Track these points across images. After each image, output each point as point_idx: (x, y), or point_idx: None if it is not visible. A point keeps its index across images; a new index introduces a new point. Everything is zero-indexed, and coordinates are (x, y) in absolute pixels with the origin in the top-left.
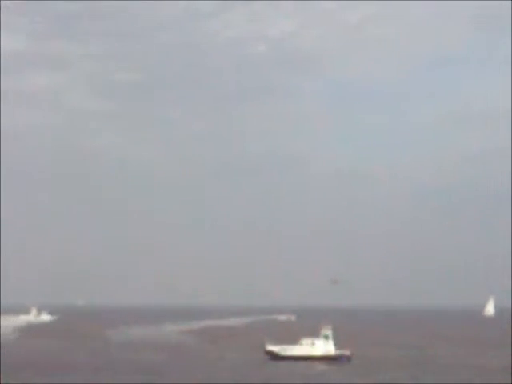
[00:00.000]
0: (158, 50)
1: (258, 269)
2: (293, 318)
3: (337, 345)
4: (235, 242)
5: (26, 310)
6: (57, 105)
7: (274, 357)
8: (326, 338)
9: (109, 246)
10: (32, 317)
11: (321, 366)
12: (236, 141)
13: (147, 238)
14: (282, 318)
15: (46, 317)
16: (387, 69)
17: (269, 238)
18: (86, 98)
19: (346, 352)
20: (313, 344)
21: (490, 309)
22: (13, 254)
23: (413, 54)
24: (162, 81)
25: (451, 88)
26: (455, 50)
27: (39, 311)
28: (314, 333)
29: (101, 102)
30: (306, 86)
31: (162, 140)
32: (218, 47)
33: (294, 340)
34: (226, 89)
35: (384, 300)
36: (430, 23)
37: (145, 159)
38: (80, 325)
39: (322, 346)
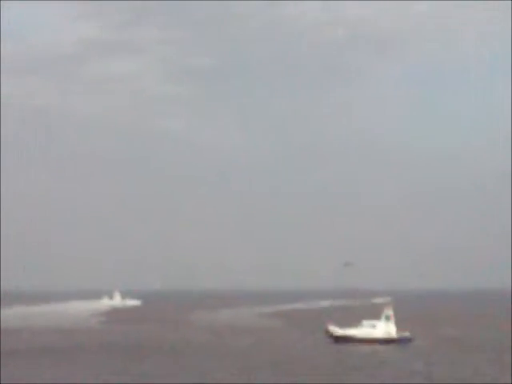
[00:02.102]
0: (234, 35)
1: (349, 250)
2: (388, 300)
3: (399, 326)
4: (322, 224)
5: (100, 295)
6: (132, 90)
7: (335, 339)
8: (387, 319)
9: (180, 231)
10: (117, 301)
11: (380, 348)
12: (313, 124)
13: (222, 222)
14: (377, 300)
15: (132, 301)
16: (457, 53)
17: (357, 221)
18: (161, 82)
19: (407, 333)
20: (374, 326)
21: None
22: (87, 239)
23: (481, 37)
24: (237, 66)
25: None
26: None
27: (122, 296)
28: (409, 316)
29: (176, 87)
30: (382, 69)
31: (238, 124)
32: (295, 32)
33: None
34: (303, 73)
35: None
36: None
37: (220, 143)
38: (165, 309)
39: (383, 328)
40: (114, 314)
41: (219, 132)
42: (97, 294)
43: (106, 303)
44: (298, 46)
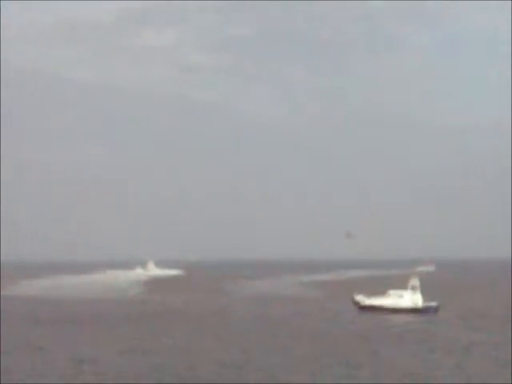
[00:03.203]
0: (273, 4)
1: (392, 220)
2: (431, 268)
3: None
4: (361, 194)
5: (129, 266)
6: (170, 59)
7: (361, 308)
8: (414, 289)
9: (223, 201)
10: (154, 271)
11: (404, 317)
12: (353, 95)
13: (260, 192)
14: (420, 268)
15: (172, 271)
16: (495, 19)
17: (401, 191)
18: (199, 52)
19: (434, 303)
20: (400, 295)
21: None
22: (111, 209)
23: None
24: (276, 35)
25: None
26: None
27: (157, 265)
28: (444, 284)
29: (214, 57)
30: (416, 37)
31: (277, 95)
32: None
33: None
34: (342, 43)
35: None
36: None
37: (259, 113)
38: (207, 278)
39: (410, 298)
40: (156, 283)
41: (258, 103)
42: (124, 265)
43: (141, 273)
44: (337, 15)
